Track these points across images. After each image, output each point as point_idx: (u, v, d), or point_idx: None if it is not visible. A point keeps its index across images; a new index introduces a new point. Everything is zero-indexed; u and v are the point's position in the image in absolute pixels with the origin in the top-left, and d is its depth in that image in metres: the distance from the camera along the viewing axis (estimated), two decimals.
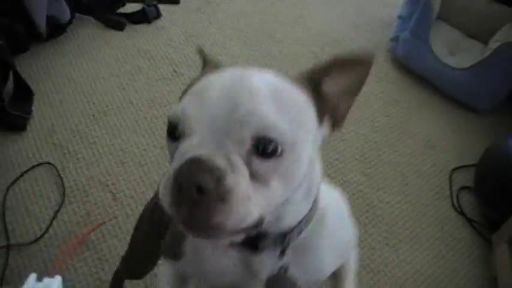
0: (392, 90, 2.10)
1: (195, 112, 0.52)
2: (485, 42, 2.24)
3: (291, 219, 0.62)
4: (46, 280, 0.79)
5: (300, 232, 0.65)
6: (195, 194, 0.47)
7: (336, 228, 0.72)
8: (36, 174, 1.56)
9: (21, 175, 1.55)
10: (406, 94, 2.11)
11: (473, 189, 1.76)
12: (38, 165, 1.59)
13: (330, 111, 0.60)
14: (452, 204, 1.73)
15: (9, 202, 1.48)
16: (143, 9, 2.17)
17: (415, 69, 2.18)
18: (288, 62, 2.12)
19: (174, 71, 1.98)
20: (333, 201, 0.74)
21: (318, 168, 0.63)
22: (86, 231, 1.44)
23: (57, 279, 0.77)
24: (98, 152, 1.64)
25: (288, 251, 0.65)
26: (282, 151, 0.51)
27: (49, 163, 1.60)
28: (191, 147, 0.50)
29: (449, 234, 1.64)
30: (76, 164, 1.60)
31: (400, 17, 2.26)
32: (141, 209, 1.33)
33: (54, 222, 1.45)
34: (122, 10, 2.20)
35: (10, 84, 1.74)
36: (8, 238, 1.40)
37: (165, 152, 1.65)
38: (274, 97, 0.52)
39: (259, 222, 0.53)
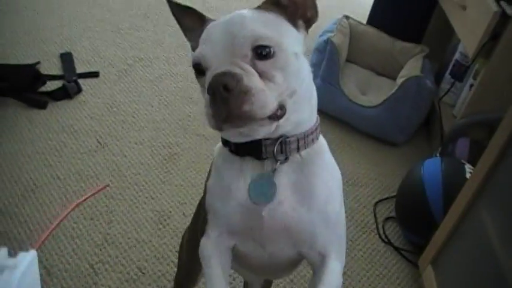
0: None
1: (209, 50, 0.73)
2: (394, 78, 2.39)
3: (298, 115, 0.79)
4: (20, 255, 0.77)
5: (298, 148, 0.81)
6: (223, 91, 0.66)
7: (330, 168, 0.88)
8: None
9: None
10: (324, 137, 2.19)
11: (396, 218, 1.85)
12: None
13: (298, 15, 0.80)
14: (379, 235, 1.81)
15: None
16: (64, 85, 2.21)
17: (331, 113, 2.27)
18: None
19: (99, 142, 2.01)
20: (332, 161, 0.90)
21: (314, 90, 0.83)
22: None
23: (31, 254, 0.76)
24: (29, 230, 1.63)
25: (288, 169, 0.82)
26: (274, 52, 0.71)
27: None
28: (214, 71, 0.70)
29: (379, 265, 1.71)
30: (8, 245, 1.57)
31: (311, 64, 2.39)
32: (76, 281, 1.50)
33: None
34: (43, 88, 2.23)
35: None
36: None
37: (95, 223, 1.67)
38: (257, 20, 0.73)
39: (281, 109, 0.73)
